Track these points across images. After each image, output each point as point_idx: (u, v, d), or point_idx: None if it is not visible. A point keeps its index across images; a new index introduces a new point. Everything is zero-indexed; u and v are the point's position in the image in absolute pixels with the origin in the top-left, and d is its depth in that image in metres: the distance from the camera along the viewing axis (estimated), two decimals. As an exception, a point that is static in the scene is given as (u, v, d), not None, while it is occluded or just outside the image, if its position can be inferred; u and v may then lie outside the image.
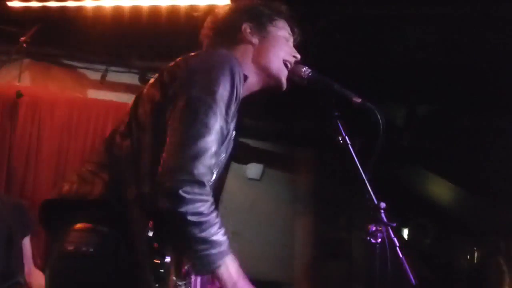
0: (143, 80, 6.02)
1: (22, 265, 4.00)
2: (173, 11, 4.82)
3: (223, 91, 2.01)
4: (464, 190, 7.79)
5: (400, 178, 7.54)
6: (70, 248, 1.95)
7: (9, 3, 4.92)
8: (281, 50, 2.35)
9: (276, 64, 2.33)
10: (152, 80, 2.18)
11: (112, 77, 6.26)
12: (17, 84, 5.78)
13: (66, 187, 2.07)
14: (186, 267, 2.05)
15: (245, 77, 2.18)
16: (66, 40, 5.84)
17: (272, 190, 7.32)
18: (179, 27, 4.87)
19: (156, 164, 1.92)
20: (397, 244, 1.95)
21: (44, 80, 6.12)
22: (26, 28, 5.43)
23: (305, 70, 2.34)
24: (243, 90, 2.16)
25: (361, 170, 2.06)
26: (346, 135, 2.14)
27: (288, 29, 2.42)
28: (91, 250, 1.92)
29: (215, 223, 1.93)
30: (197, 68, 2.07)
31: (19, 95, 5.57)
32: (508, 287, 6.94)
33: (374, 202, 2.02)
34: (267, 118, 6.62)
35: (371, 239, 1.96)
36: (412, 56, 5.56)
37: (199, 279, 2.16)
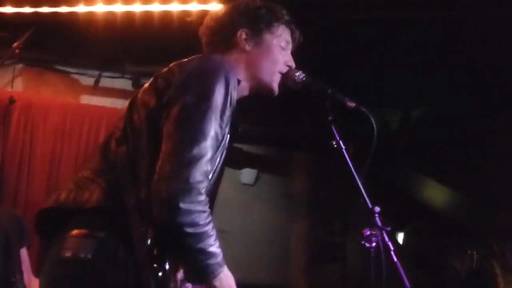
0: (137, 85, 6.01)
1: (21, 272, 4.00)
2: (166, 16, 4.82)
3: (217, 97, 2.00)
4: (458, 193, 7.80)
5: (395, 181, 7.54)
6: (68, 254, 1.94)
7: (1, 9, 4.91)
8: (274, 61, 2.34)
9: (268, 75, 2.33)
10: (146, 86, 2.17)
11: (106, 82, 6.24)
12: (10, 89, 5.77)
13: (63, 195, 2.06)
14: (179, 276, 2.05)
15: (238, 82, 2.17)
16: (59, 46, 5.82)
17: (266, 195, 7.31)
18: (172, 32, 4.88)
19: (152, 170, 1.92)
20: (392, 248, 1.95)
21: (37, 86, 6.09)
22: (18, 33, 5.41)
23: (299, 75, 2.33)
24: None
25: (355, 174, 2.06)
26: (340, 139, 2.14)
27: (288, 35, 2.40)
28: (89, 256, 1.92)
29: (212, 235, 1.93)
30: (191, 75, 2.07)
31: (11, 100, 5.55)
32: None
33: (369, 206, 2.02)
34: (261, 123, 6.61)
35: (366, 243, 1.96)
36: (406, 59, 5.56)
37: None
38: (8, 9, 4.91)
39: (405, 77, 5.81)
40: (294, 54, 2.43)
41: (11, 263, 3.96)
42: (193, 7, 4.65)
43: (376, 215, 1.99)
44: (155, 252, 1.89)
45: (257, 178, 7.28)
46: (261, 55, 2.32)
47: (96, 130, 5.79)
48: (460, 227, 7.96)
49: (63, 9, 4.84)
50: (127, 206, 1.92)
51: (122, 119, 2.13)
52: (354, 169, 2.08)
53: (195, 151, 1.91)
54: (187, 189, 1.87)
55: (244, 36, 2.32)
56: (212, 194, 2.14)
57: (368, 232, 1.97)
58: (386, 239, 1.95)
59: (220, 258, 1.97)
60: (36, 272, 4.37)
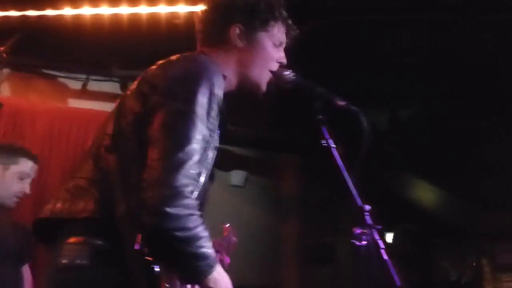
0: (125, 88, 5.98)
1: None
2: (153, 18, 4.80)
3: (202, 100, 2.00)
4: (447, 193, 7.84)
5: (383, 182, 7.56)
6: (65, 261, 1.99)
7: (-13, 14, 4.88)
8: (266, 60, 2.32)
9: (257, 73, 2.32)
10: (132, 89, 2.17)
11: (93, 86, 6.22)
12: (-3, 95, 5.74)
13: (58, 205, 2.08)
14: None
15: (224, 77, 2.17)
16: (46, 50, 5.79)
17: (255, 197, 7.31)
18: (160, 34, 4.86)
19: (141, 177, 1.92)
20: (382, 247, 1.95)
21: (25, 90, 6.06)
22: (5, 38, 5.38)
23: (288, 74, 2.32)
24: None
25: (346, 173, 2.06)
26: (330, 137, 2.14)
27: (283, 33, 2.38)
28: (85, 262, 1.96)
29: (202, 237, 1.93)
30: (174, 79, 2.06)
31: (-1, 105, 5.52)
32: (492, 288, 6.99)
33: (359, 205, 2.02)
34: (250, 125, 6.61)
35: (356, 242, 1.96)
36: (394, 60, 5.58)
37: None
38: (-6, 14, 4.88)
39: (393, 78, 5.83)
40: (289, 52, 2.42)
41: (19, 275, 3.93)
42: (181, 9, 4.64)
43: (367, 213, 1.99)
44: (146, 257, 1.89)
45: (246, 180, 7.28)
46: (253, 53, 2.31)
47: (84, 133, 5.76)
48: (450, 227, 7.99)
49: (50, 12, 4.81)
50: (118, 214, 1.94)
51: (110, 123, 2.14)
52: (345, 168, 2.08)
53: (180, 155, 1.91)
54: (173, 194, 1.87)
55: (237, 31, 2.29)
56: (203, 196, 2.14)
57: (359, 231, 1.97)
58: (377, 237, 1.95)
59: (211, 259, 1.96)
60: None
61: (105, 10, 4.75)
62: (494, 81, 5.68)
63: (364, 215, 1.99)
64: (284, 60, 2.37)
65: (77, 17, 4.85)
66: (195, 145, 1.95)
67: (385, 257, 1.93)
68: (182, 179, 1.89)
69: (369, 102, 6.14)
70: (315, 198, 7.39)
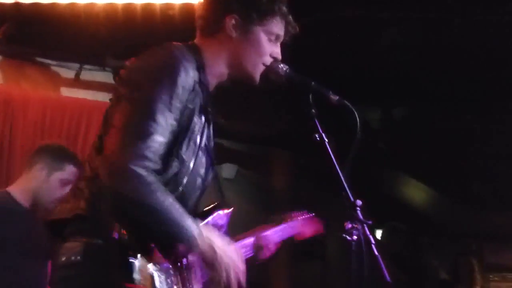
0: (118, 78, 5.96)
1: None
2: (148, 9, 4.77)
3: (164, 87, 2.03)
4: (438, 192, 7.86)
5: (375, 179, 7.57)
6: (63, 259, 2.09)
7: (-21, 1, 4.85)
8: (260, 53, 2.32)
9: (250, 66, 2.32)
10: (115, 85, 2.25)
11: (86, 75, 6.18)
12: (-11, 83, 5.71)
13: (63, 206, 2.19)
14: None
15: (203, 65, 2.20)
16: (39, 38, 5.76)
17: (246, 190, 7.31)
18: (154, 25, 4.84)
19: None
20: (373, 242, 1.96)
21: (17, 79, 6.02)
22: (-2, 25, 5.36)
23: (282, 67, 2.32)
24: (212, 78, 2.23)
25: (338, 167, 2.06)
26: (323, 132, 2.14)
27: (280, 28, 2.36)
28: (79, 258, 2.04)
29: (166, 193, 1.97)
30: (137, 69, 2.13)
31: (-9, 94, 5.49)
32: (479, 287, 7.01)
33: (351, 200, 2.02)
34: (241, 118, 6.60)
35: (347, 237, 1.96)
36: (387, 58, 5.58)
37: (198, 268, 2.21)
38: (-14, 1, 4.84)
39: (386, 75, 5.83)
40: (285, 47, 2.41)
41: (44, 276, 3.91)
42: (176, 0, 4.62)
43: (358, 208, 1.99)
44: (123, 245, 1.96)
45: (237, 173, 7.29)
46: (247, 46, 2.30)
47: (76, 122, 5.74)
48: (439, 226, 8.02)
49: (44, 0, 4.78)
50: (104, 211, 1.99)
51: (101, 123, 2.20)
52: (337, 162, 2.08)
53: (143, 127, 1.96)
54: (134, 157, 1.92)
55: (233, 21, 2.28)
56: (197, 182, 2.30)
57: (350, 225, 1.97)
58: (367, 232, 1.95)
59: (188, 223, 2.02)
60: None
61: (100, -1, 4.73)
62: (490, 80, 5.70)
63: (355, 210, 1.99)
64: (279, 56, 2.37)
65: (71, 6, 4.82)
66: (159, 127, 1.98)
67: (376, 252, 1.94)
68: (143, 148, 1.93)
69: (362, 99, 6.15)
70: (305, 194, 7.39)
